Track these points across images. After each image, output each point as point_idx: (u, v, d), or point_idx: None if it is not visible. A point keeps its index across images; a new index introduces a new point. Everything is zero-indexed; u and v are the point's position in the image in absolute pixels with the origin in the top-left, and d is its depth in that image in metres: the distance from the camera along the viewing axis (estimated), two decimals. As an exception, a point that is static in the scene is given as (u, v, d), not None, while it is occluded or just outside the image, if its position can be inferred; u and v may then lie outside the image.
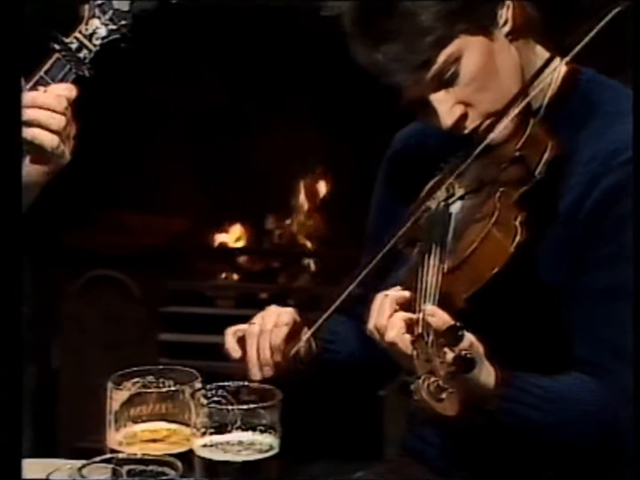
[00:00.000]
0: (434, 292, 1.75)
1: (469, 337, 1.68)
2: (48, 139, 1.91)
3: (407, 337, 1.70)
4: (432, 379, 1.61)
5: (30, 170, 1.95)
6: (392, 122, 2.11)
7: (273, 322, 1.95)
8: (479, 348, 1.72)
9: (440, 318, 1.68)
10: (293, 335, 1.94)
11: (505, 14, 1.90)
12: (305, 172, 3.88)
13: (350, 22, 1.88)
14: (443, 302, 1.73)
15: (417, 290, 1.77)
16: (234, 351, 1.95)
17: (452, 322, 1.67)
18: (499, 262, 1.78)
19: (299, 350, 1.94)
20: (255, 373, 1.91)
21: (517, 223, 1.80)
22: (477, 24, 1.87)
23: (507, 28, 1.90)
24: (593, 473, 1.90)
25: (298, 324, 1.96)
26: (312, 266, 3.90)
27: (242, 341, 1.95)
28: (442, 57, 1.85)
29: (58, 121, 1.91)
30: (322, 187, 3.89)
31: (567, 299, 1.87)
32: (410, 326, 1.71)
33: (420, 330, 1.66)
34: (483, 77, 1.88)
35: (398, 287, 1.79)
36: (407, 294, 1.77)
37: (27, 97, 1.92)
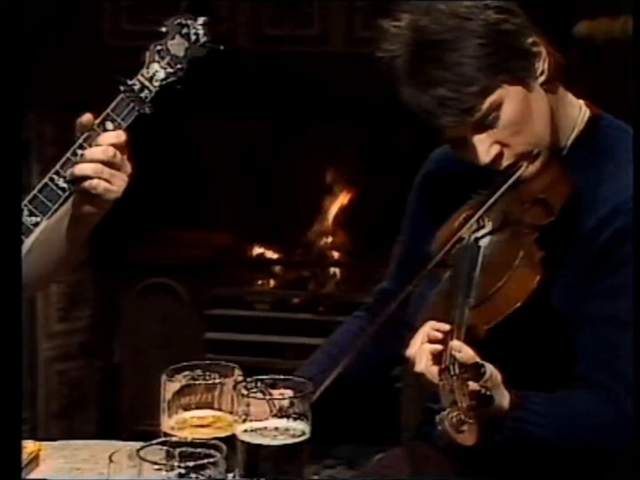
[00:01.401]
0: (460, 325, 1.71)
1: (489, 370, 1.65)
2: (98, 187, 1.92)
3: (434, 368, 1.67)
4: (455, 412, 1.58)
5: (85, 211, 1.97)
6: (410, 149, 2.11)
7: None
8: (498, 377, 1.69)
9: (465, 354, 1.65)
10: None
11: (542, 66, 1.86)
12: (332, 194, 3.87)
13: (402, 67, 1.84)
14: (466, 334, 1.69)
15: (451, 322, 1.73)
16: None
17: (476, 360, 1.64)
18: (521, 298, 1.75)
19: None
20: None
21: (539, 261, 1.77)
22: (517, 75, 1.83)
23: (542, 78, 1.86)
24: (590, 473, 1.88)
25: None
26: (338, 275, 3.89)
27: None
28: (486, 105, 1.81)
29: (105, 171, 1.92)
30: (346, 207, 3.88)
31: (575, 325, 1.84)
32: (436, 357, 1.68)
33: (446, 362, 1.63)
34: (519, 122, 1.84)
35: (433, 322, 1.74)
36: (440, 331, 1.72)
37: (85, 154, 1.93)
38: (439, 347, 1.69)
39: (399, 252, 2.13)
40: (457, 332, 1.70)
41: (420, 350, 1.71)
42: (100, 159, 1.93)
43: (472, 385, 1.60)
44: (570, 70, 1.97)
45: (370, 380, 2.08)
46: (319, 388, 1.83)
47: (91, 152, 1.94)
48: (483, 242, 1.86)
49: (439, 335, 1.72)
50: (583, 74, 1.95)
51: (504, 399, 1.73)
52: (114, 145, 1.95)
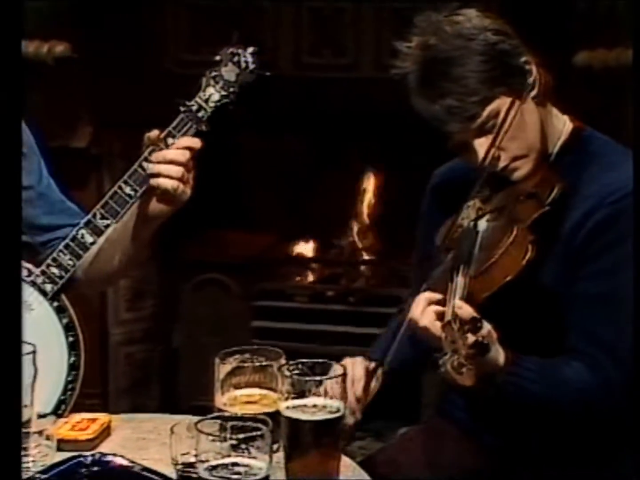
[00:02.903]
0: (461, 291, 1.74)
1: (486, 326, 1.68)
2: (170, 185, 1.93)
3: (438, 323, 1.70)
4: (455, 356, 1.60)
5: (156, 206, 1.97)
6: (427, 163, 2.11)
7: (350, 379, 1.89)
8: (494, 334, 1.72)
9: (465, 310, 1.67)
10: (368, 381, 1.91)
11: (533, 81, 1.87)
12: (362, 201, 3.86)
13: (414, 81, 1.86)
14: (467, 299, 1.72)
15: (449, 288, 1.76)
16: None
17: (475, 314, 1.66)
18: (512, 272, 1.77)
19: (375, 389, 1.91)
20: (350, 419, 1.87)
21: (529, 244, 1.79)
22: (512, 88, 1.85)
23: (533, 92, 1.88)
24: (576, 434, 1.88)
25: (370, 371, 1.92)
26: (367, 271, 3.88)
27: None
28: (485, 112, 1.84)
29: (177, 171, 1.92)
30: (374, 213, 3.88)
31: (565, 302, 1.85)
32: (439, 315, 1.71)
33: (449, 318, 1.65)
34: (514, 129, 1.85)
35: (429, 291, 1.78)
36: (437, 295, 1.76)
37: (158, 154, 1.93)
38: (441, 308, 1.71)
39: (415, 258, 2.15)
40: (458, 295, 1.72)
41: (425, 310, 1.73)
42: (179, 160, 1.92)
43: (471, 336, 1.61)
44: (571, 94, 1.97)
45: (417, 366, 2.07)
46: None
47: (169, 152, 1.93)
48: (481, 227, 1.89)
49: (440, 297, 1.74)
50: (582, 97, 1.93)
51: (499, 355, 1.75)
52: (189, 150, 1.94)
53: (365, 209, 3.87)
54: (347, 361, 1.93)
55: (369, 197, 3.86)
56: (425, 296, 1.77)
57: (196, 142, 1.94)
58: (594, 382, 1.81)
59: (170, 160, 1.92)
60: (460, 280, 1.76)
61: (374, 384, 1.91)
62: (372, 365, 1.94)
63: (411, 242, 2.16)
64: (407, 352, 1.92)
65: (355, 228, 3.88)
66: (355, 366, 1.93)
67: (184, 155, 1.93)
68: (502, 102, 1.84)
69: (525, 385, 1.80)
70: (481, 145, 1.86)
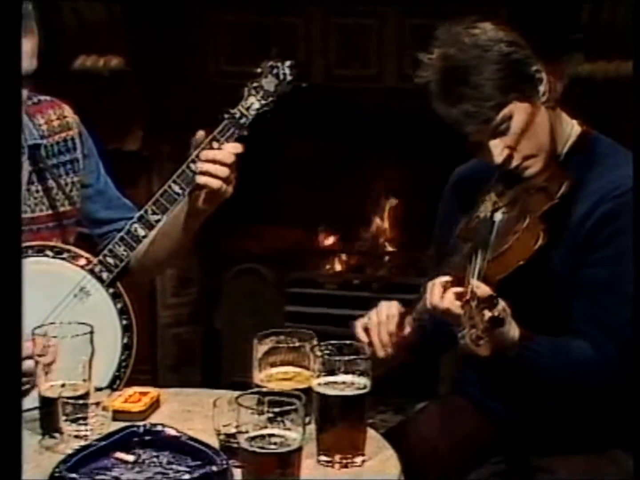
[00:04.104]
0: (479, 273, 1.74)
1: (501, 304, 1.67)
2: (215, 184, 1.92)
3: (457, 303, 1.69)
4: (473, 330, 1.60)
5: (201, 203, 1.97)
6: (446, 163, 2.10)
7: (385, 314, 1.91)
8: (508, 311, 1.71)
9: (483, 289, 1.67)
10: (401, 322, 1.91)
11: (544, 88, 1.87)
12: (386, 199, 3.84)
13: (435, 87, 1.85)
14: (484, 280, 1.72)
15: (467, 271, 1.76)
16: (363, 338, 1.90)
17: (491, 293, 1.66)
18: (524, 257, 1.78)
19: (406, 332, 1.90)
20: (380, 353, 1.88)
21: (540, 232, 1.79)
22: (524, 94, 1.85)
23: (544, 98, 1.87)
24: (584, 404, 1.88)
25: (403, 314, 1.92)
26: (389, 261, 3.87)
27: (366, 330, 1.91)
28: (500, 116, 1.83)
29: (223, 171, 1.92)
30: (396, 209, 3.86)
31: (571, 286, 1.84)
32: (459, 296, 1.70)
33: (467, 297, 1.65)
34: (526, 131, 1.85)
35: (445, 276, 1.77)
36: (449, 278, 1.75)
37: (208, 153, 1.93)
38: (459, 288, 1.71)
39: (434, 247, 2.13)
40: (476, 277, 1.72)
41: (444, 294, 1.72)
42: (224, 161, 1.92)
43: (487, 312, 1.61)
44: (576, 102, 1.96)
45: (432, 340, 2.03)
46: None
47: (216, 153, 1.93)
48: (497, 218, 1.88)
49: (452, 279, 1.73)
50: (585, 104, 1.92)
51: (514, 330, 1.74)
52: (234, 153, 1.94)
53: (387, 205, 3.85)
54: (384, 303, 1.94)
55: (390, 195, 3.84)
56: (439, 281, 1.76)
57: (237, 148, 1.94)
58: (596, 358, 1.81)
59: (217, 161, 1.92)
60: (477, 264, 1.76)
61: (406, 327, 1.90)
62: (404, 310, 1.94)
63: (428, 235, 2.15)
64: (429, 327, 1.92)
65: (379, 222, 3.87)
66: (391, 306, 1.93)
67: (229, 158, 1.93)
68: (514, 107, 1.83)
69: (535, 358, 1.79)
70: (495, 145, 1.85)
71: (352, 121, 3.51)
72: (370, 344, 1.88)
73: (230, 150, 1.93)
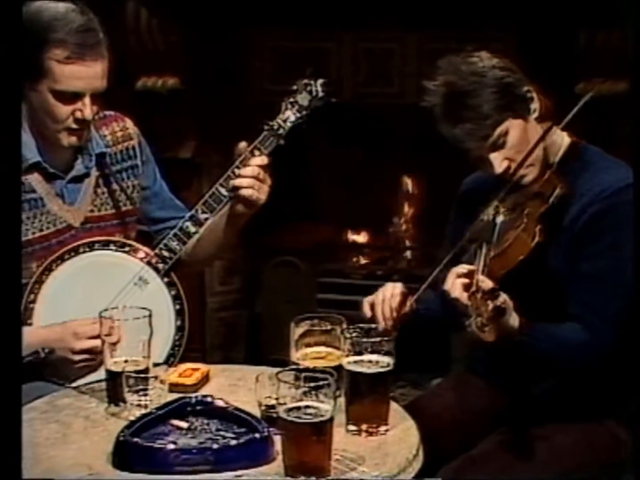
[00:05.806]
0: (483, 268, 1.72)
1: (503, 296, 1.66)
2: (248, 194, 1.93)
3: (465, 294, 1.68)
4: (479, 318, 1.59)
5: (241, 207, 1.97)
6: (455, 171, 2.08)
7: (390, 293, 1.91)
8: (510, 303, 1.69)
9: (487, 283, 1.66)
10: (403, 301, 1.91)
11: (535, 106, 1.86)
12: (407, 199, 3.82)
13: (439, 111, 1.85)
14: (488, 275, 1.70)
15: (474, 267, 1.74)
16: (367, 312, 1.91)
17: (493, 286, 1.65)
18: (523, 254, 1.77)
19: (407, 310, 1.90)
20: (382, 325, 1.87)
21: (537, 230, 1.78)
22: (518, 112, 1.84)
23: (536, 114, 1.87)
24: (579, 384, 1.86)
25: (405, 294, 1.92)
26: (409, 255, 3.84)
27: (372, 306, 1.92)
28: (497, 132, 1.83)
29: (254, 184, 1.93)
30: (415, 209, 3.84)
31: (566, 278, 1.83)
32: (466, 287, 1.69)
33: (474, 289, 1.64)
34: (520, 144, 1.84)
35: (461, 266, 1.76)
36: (464, 268, 1.74)
37: (242, 171, 1.93)
38: (467, 280, 1.69)
39: (446, 240, 2.11)
40: (481, 272, 1.70)
41: (455, 283, 1.71)
42: (252, 175, 1.93)
43: (491, 303, 1.60)
44: (574, 118, 1.93)
45: (436, 322, 2.03)
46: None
47: (245, 170, 1.95)
48: (499, 220, 1.87)
49: (466, 269, 1.72)
50: (583, 120, 1.89)
51: (515, 320, 1.72)
52: (260, 167, 1.95)
53: (407, 206, 3.83)
54: (389, 283, 1.95)
55: (410, 197, 3.82)
56: (454, 271, 1.75)
57: (263, 160, 1.95)
58: (589, 340, 1.79)
59: (249, 176, 1.93)
60: (482, 261, 1.75)
61: (407, 306, 1.90)
62: (409, 289, 1.94)
63: (442, 233, 2.14)
64: (434, 305, 1.93)
65: (400, 221, 3.85)
66: (395, 287, 1.93)
67: (258, 173, 1.93)
68: (509, 124, 1.83)
69: (535, 343, 1.78)
70: (495, 158, 1.85)
71: (377, 133, 3.50)
72: (373, 317, 1.89)
73: (257, 163, 1.94)
